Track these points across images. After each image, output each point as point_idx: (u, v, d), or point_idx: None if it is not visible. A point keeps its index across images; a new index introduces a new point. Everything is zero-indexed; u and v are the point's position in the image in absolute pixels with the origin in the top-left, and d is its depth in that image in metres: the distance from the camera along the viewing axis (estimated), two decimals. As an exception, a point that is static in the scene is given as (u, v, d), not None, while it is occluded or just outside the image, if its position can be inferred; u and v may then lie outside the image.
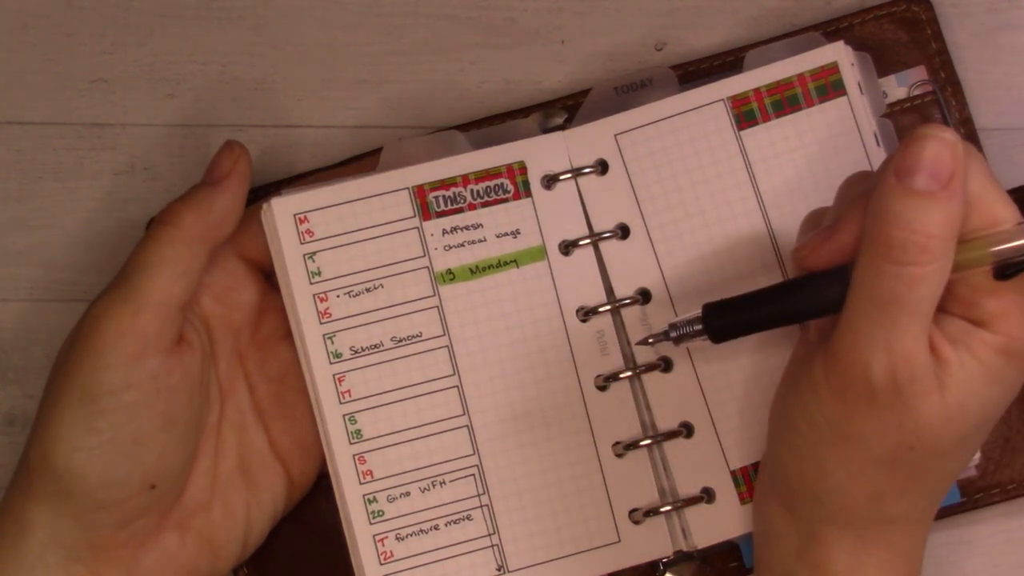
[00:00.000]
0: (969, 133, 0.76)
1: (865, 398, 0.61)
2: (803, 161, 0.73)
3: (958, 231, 0.61)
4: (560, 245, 0.73)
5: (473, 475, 0.72)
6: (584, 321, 0.73)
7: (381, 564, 0.71)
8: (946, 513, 0.74)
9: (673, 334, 0.68)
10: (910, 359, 0.60)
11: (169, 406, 0.67)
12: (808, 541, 0.65)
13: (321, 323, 0.72)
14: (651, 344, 0.71)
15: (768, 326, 0.66)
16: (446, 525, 0.72)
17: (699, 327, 0.67)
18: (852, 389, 0.62)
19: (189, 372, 0.68)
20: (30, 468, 0.66)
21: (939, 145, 0.60)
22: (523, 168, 0.73)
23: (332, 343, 0.72)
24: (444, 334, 0.72)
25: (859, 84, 0.73)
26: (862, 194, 0.63)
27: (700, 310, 0.67)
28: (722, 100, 0.74)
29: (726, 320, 0.67)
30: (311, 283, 0.72)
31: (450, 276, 0.72)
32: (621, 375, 0.72)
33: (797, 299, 0.65)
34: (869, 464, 0.62)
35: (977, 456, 0.73)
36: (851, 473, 0.63)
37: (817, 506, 0.65)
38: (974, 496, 0.74)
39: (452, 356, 0.72)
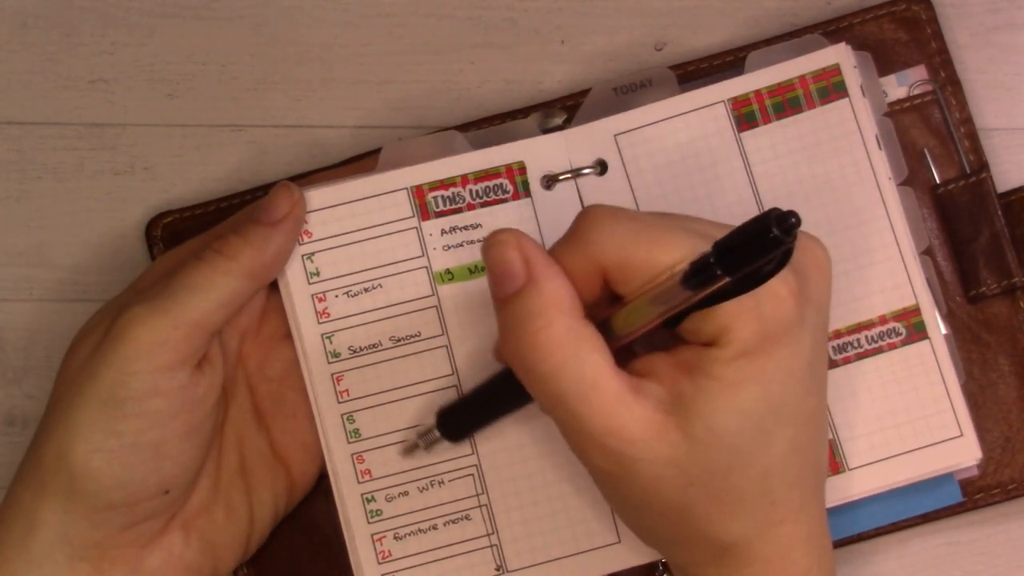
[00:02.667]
0: (969, 133, 0.76)
1: (611, 479, 0.62)
2: (804, 163, 0.73)
3: (571, 302, 0.61)
4: (559, 245, 0.73)
5: (472, 475, 0.72)
6: (583, 321, 0.73)
7: (379, 564, 0.71)
8: (946, 513, 0.74)
9: (421, 443, 0.71)
10: (613, 432, 0.60)
11: (192, 416, 0.67)
12: None
13: (320, 323, 0.72)
14: (405, 455, 0.72)
15: (490, 421, 0.70)
16: (445, 525, 0.72)
17: (438, 434, 0.70)
18: (599, 476, 0.63)
19: (212, 386, 0.69)
20: (42, 465, 0.67)
21: (497, 250, 0.62)
22: (522, 168, 0.73)
23: (331, 343, 0.72)
24: (443, 334, 0.72)
25: (861, 86, 0.73)
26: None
27: (435, 418, 0.70)
28: (723, 102, 0.73)
29: (455, 425, 0.70)
30: (310, 283, 0.72)
31: (449, 276, 0.72)
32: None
33: (503, 394, 0.67)
34: (669, 516, 0.63)
35: (979, 458, 0.73)
36: (666, 528, 0.64)
37: (672, 556, 0.66)
38: (974, 496, 0.74)
39: (451, 356, 0.72)
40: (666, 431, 0.60)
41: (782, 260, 0.58)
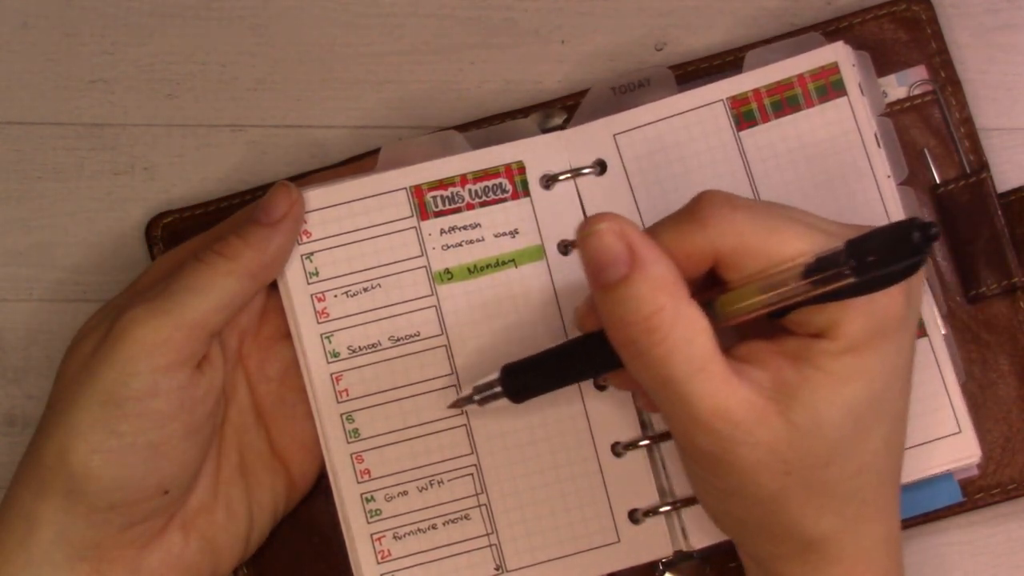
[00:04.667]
0: (969, 133, 0.76)
1: (712, 463, 0.62)
2: (803, 162, 0.73)
3: (677, 285, 0.60)
4: (559, 245, 0.73)
5: (471, 474, 0.72)
6: (583, 321, 0.73)
7: (379, 563, 0.71)
8: (946, 513, 0.74)
9: (477, 397, 0.69)
10: (720, 413, 0.60)
11: (192, 417, 0.68)
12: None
13: (319, 323, 0.72)
14: (459, 408, 0.71)
15: (560, 384, 0.68)
16: (444, 524, 0.72)
17: (499, 389, 0.68)
18: (698, 459, 0.62)
19: (212, 387, 0.69)
20: (42, 465, 0.67)
21: (599, 237, 0.60)
22: (522, 168, 0.73)
23: (330, 342, 0.72)
24: (442, 333, 0.72)
25: (859, 85, 0.73)
26: None
27: (498, 372, 0.68)
28: (721, 101, 0.73)
29: (521, 382, 0.68)
30: (309, 283, 0.72)
31: (448, 276, 0.72)
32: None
33: (580, 359, 0.66)
34: (763, 504, 0.63)
35: (978, 455, 0.73)
36: (757, 517, 0.63)
37: (754, 548, 0.66)
38: (974, 496, 0.74)
39: (450, 355, 0.72)
40: (769, 417, 0.60)
41: (913, 267, 0.59)
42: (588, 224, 0.61)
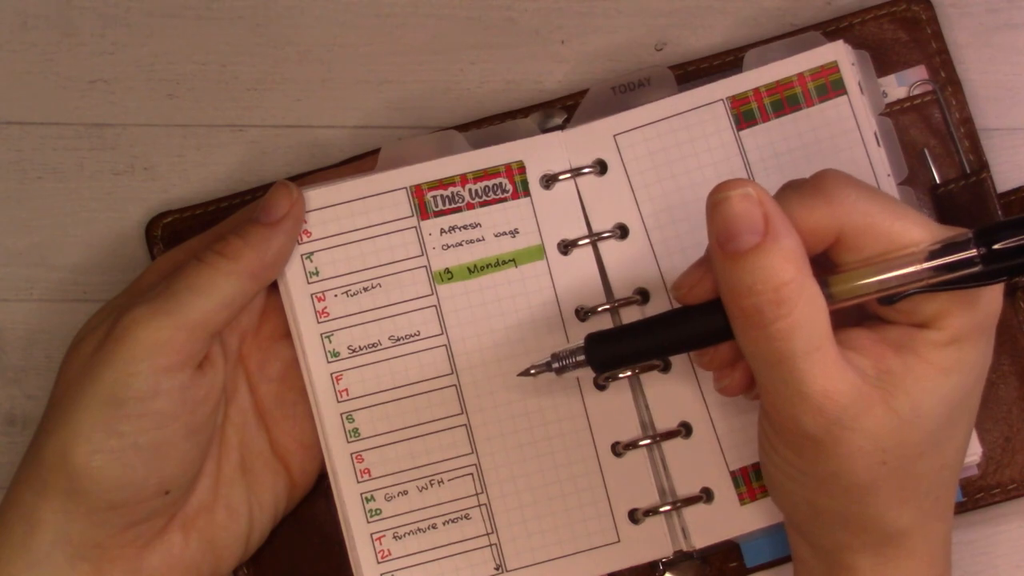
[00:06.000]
0: (969, 133, 0.76)
1: (811, 446, 0.61)
2: (803, 161, 0.73)
3: (804, 259, 0.60)
4: (559, 245, 0.73)
5: (471, 474, 0.72)
6: (583, 321, 0.73)
7: (379, 563, 0.71)
8: (946, 513, 0.74)
9: (556, 364, 0.68)
10: (830, 395, 0.60)
11: (193, 417, 0.68)
12: (831, 567, 0.65)
13: (319, 322, 0.72)
14: (533, 375, 0.70)
15: (648, 358, 0.67)
16: (444, 524, 0.72)
17: (581, 358, 0.67)
18: (796, 442, 0.62)
19: (213, 387, 0.69)
20: (43, 465, 0.67)
21: (737, 201, 0.59)
22: (522, 168, 0.73)
23: (330, 342, 0.72)
24: (442, 333, 0.72)
25: (859, 84, 0.73)
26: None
27: (583, 340, 0.67)
28: (721, 100, 0.74)
29: (607, 352, 0.66)
30: (309, 282, 0.72)
31: (448, 275, 0.72)
32: (620, 374, 0.72)
33: (674, 332, 0.65)
34: (852, 493, 0.62)
35: (979, 455, 0.73)
36: (841, 506, 0.63)
37: (826, 538, 0.65)
38: (974, 496, 0.74)
39: (450, 355, 0.72)
40: (873, 404, 0.60)
41: None
42: (724, 188, 0.60)
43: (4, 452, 0.77)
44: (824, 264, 0.62)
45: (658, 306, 0.73)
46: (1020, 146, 0.78)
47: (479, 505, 0.72)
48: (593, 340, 0.66)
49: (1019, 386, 0.75)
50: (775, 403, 0.61)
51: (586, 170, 0.74)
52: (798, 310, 0.59)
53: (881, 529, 0.63)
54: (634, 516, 0.72)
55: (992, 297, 0.61)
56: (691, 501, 0.72)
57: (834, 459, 0.61)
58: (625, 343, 0.66)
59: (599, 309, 0.73)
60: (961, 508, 0.74)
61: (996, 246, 0.58)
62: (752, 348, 0.60)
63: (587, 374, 0.71)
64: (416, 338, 0.72)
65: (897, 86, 0.77)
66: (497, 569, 0.72)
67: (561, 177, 0.74)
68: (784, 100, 0.73)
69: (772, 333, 0.59)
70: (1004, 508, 0.75)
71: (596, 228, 0.73)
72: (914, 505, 0.63)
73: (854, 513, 0.63)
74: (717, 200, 0.60)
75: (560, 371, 0.68)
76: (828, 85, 0.73)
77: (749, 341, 0.60)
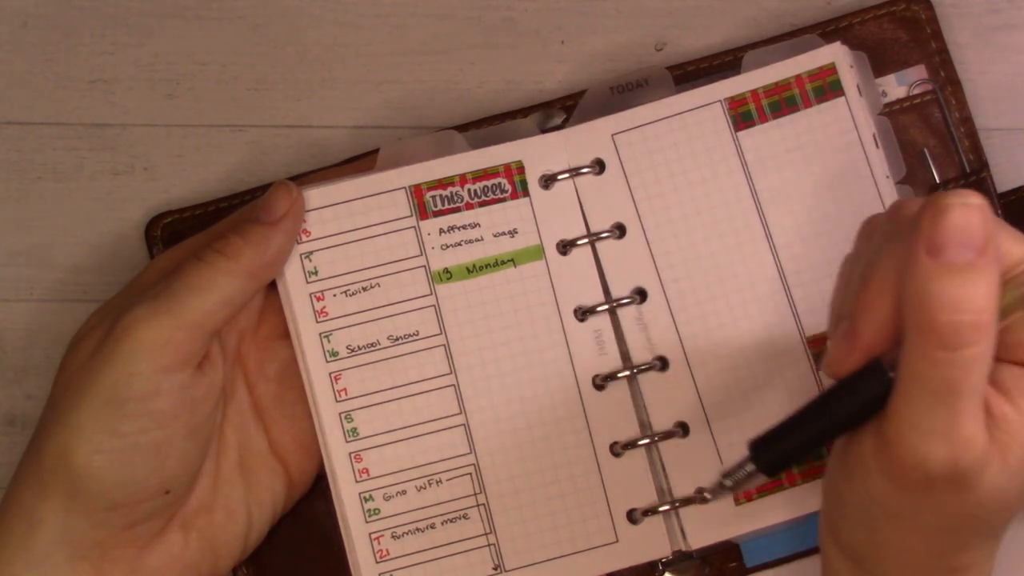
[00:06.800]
0: (969, 133, 0.76)
1: (922, 485, 0.58)
2: (801, 162, 0.73)
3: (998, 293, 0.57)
4: (558, 244, 0.73)
5: (470, 474, 0.72)
6: (582, 321, 0.73)
7: (377, 563, 0.71)
8: (946, 513, 0.74)
9: (728, 483, 0.64)
10: (970, 443, 0.57)
11: (193, 416, 0.68)
12: None
13: (318, 322, 0.72)
14: (711, 500, 0.70)
15: (818, 447, 0.63)
16: (442, 524, 0.72)
17: (751, 468, 0.63)
18: (907, 476, 0.58)
19: (213, 386, 0.69)
20: (43, 465, 0.67)
21: (966, 212, 0.56)
22: (521, 168, 0.73)
23: (328, 342, 0.72)
24: (441, 333, 0.72)
25: (857, 86, 0.73)
26: (875, 280, 0.59)
27: (747, 451, 0.64)
28: (719, 101, 0.74)
29: (776, 455, 0.63)
30: (308, 282, 0.72)
31: (447, 275, 0.72)
32: (619, 375, 0.72)
33: (838, 412, 0.61)
34: (927, 534, 0.60)
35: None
36: (908, 543, 0.61)
37: (877, 566, 0.63)
38: (974, 496, 0.74)
39: (449, 355, 0.72)
40: (992, 460, 0.57)
41: None
42: (958, 195, 0.56)
43: (4, 452, 0.77)
44: None
45: (656, 306, 0.73)
46: (1020, 146, 0.78)
47: (477, 505, 0.72)
48: (759, 446, 0.63)
49: (1019, 386, 0.75)
50: (910, 434, 0.58)
51: (584, 170, 0.74)
52: (986, 343, 0.56)
53: (935, 566, 0.62)
54: (632, 516, 0.72)
55: None
56: (689, 501, 0.72)
57: (930, 503, 0.59)
58: (791, 441, 0.63)
59: (598, 309, 0.73)
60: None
61: None
62: (926, 371, 0.57)
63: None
64: (415, 338, 0.72)
65: (897, 86, 0.77)
66: (495, 569, 0.72)
67: (560, 177, 0.74)
68: (782, 101, 0.73)
69: (956, 359, 0.56)
70: (1004, 508, 0.75)
71: (594, 228, 0.73)
72: (975, 549, 0.62)
73: (913, 552, 0.61)
74: (945, 204, 0.56)
75: (735, 488, 0.65)
76: (826, 87, 0.73)
77: (928, 364, 0.56)
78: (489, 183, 0.73)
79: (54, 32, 0.79)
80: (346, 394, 0.72)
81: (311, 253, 0.72)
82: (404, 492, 0.72)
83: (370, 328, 0.72)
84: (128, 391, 0.66)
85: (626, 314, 0.73)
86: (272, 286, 0.72)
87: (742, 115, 0.73)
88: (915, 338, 0.57)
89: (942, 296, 0.56)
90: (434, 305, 0.72)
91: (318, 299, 0.72)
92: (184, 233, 0.75)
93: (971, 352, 0.56)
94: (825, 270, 0.72)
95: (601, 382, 0.72)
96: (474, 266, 0.73)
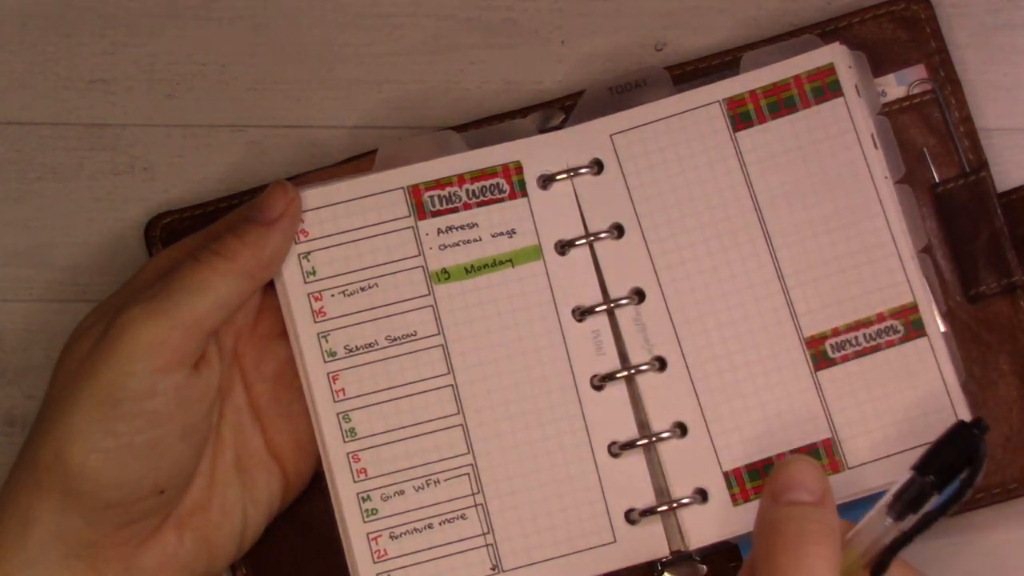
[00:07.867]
0: (969, 133, 0.76)
1: None
2: (799, 162, 0.73)
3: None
4: (556, 245, 0.73)
5: (468, 474, 0.72)
6: (580, 321, 0.73)
7: (375, 563, 0.71)
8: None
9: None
10: None
11: (188, 416, 0.68)
12: None
13: (316, 322, 0.72)
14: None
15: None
16: (440, 524, 0.72)
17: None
18: None
19: (209, 386, 0.69)
20: (39, 464, 0.67)
21: (809, 468, 0.62)
22: (519, 168, 0.73)
23: (326, 342, 0.72)
24: (439, 333, 0.72)
25: (856, 86, 0.73)
26: None
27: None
28: (718, 102, 0.74)
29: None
30: (306, 282, 0.72)
31: (445, 275, 0.73)
32: (617, 375, 0.72)
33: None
34: None
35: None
36: None
37: None
38: (975, 496, 0.74)
39: (447, 355, 0.72)
40: None
41: None
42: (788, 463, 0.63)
43: (3, 452, 0.77)
44: None
45: (654, 306, 0.73)
46: (1020, 146, 0.78)
47: (475, 505, 0.72)
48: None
49: (1019, 386, 0.75)
50: None
51: (583, 170, 0.74)
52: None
53: None
54: (631, 516, 0.72)
55: None
56: (688, 501, 0.72)
57: None
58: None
59: (596, 309, 0.73)
60: (962, 508, 0.74)
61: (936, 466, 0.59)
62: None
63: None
64: (413, 338, 0.72)
65: (896, 85, 0.77)
66: (493, 569, 0.72)
67: (558, 177, 0.74)
68: (781, 102, 0.73)
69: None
70: (1004, 508, 0.75)
71: (592, 228, 0.73)
72: None
73: None
74: (784, 463, 0.63)
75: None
76: (825, 87, 0.73)
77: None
78: (487, 183, 0.73)
79: (54, 32, 0.79)
80: (344, 394, 0.72)
81: (309, 253, 0.72)
82: (402, 492, 0.72)
83: (368, 328, 0.72)
84: (124, 391, 0.66)
85: (624, 314, 0.73)
86: (270, 285, 0.72)
87: (741, 115, 0.73)
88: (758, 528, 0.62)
89: (779, 536, 0.61)
90: (432, 305, 0.72)
91: (316, 299, 0.72)
92: (183, 233, 0.75)
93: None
94: (823, 270, 0.72)
95: (599, 382, 0.72)
96: (472, 266, 0.73)
